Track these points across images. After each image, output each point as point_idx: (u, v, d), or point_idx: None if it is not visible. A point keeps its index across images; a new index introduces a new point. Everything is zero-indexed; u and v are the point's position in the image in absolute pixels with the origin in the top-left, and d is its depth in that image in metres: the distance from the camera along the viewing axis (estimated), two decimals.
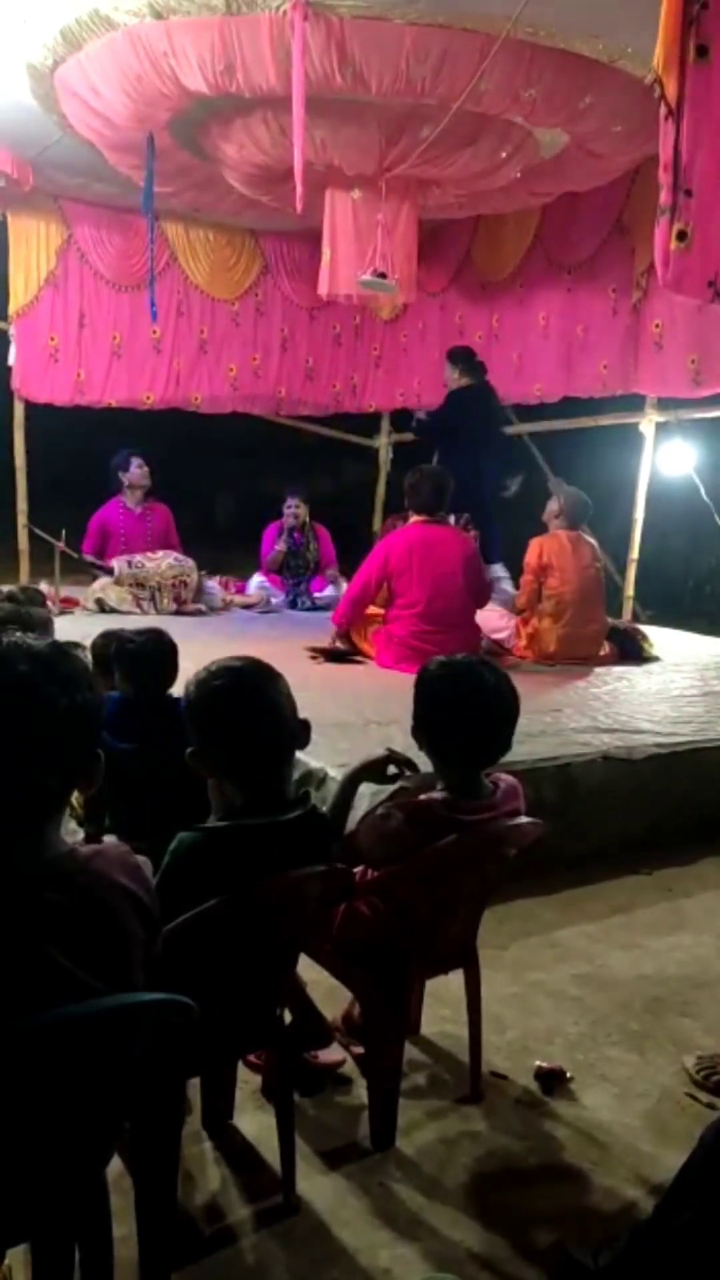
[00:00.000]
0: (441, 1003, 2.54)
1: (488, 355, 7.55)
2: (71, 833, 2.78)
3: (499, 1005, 2.63)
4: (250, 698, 1.83)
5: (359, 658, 5.40)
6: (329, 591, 7.34)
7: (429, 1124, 2.19)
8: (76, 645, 1.59)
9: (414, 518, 5.29)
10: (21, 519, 7.45)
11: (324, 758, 3.35)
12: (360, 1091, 2.26)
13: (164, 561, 6.84)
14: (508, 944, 3.01)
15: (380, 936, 2.12)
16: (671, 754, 3.92)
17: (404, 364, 8.47)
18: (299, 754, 1.95)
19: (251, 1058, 2.27)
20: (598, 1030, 2.60)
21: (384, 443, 9.16)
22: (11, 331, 7.24)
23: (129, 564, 6.75)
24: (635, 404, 7.08)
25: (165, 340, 7.67)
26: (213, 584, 7.20)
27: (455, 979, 2.33)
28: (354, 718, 3.93)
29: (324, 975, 2.26)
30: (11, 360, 7.28)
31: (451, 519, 5.46)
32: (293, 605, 7.36)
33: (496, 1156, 2.10)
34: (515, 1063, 2.42)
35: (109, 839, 2.63)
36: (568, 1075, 2.37)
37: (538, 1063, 2.39)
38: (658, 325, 6.26)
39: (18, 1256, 1.55)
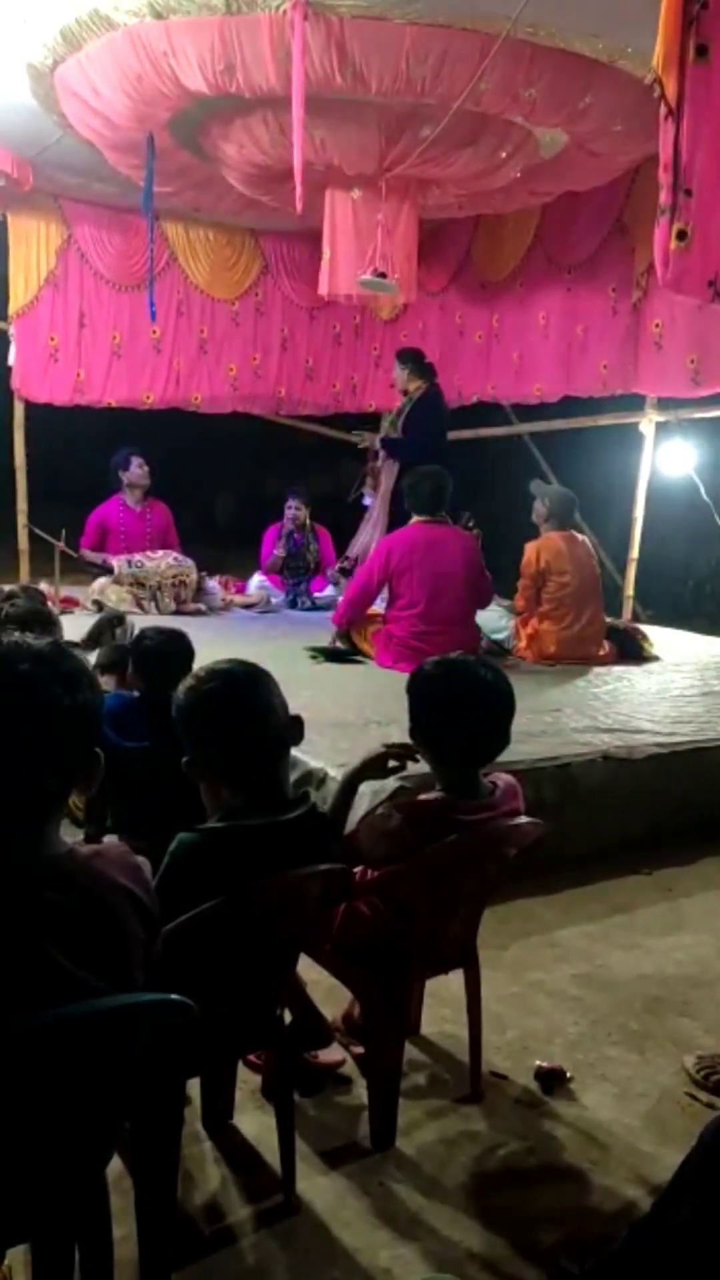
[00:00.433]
0: (441, 1003, 2.54)
1: (488, 355, 7.58)
2: (72, 835, 2.78)
3: (499, 1005, 2.63)
4: (239, 699, 1.83)
5: (359, 658, 5.40)
6: (329, 592, 7.34)
7: (429, 1124, 2.19)
8: (76, 645, 1.59)
9: (415, 518, 5.29)
10: (21, 519, 7.45)
11: (324, 757, 3.34)
12: (360, 1091, 2.26)
13: (164, 561, 6.84)
14: (508, 944, 3.01)
15: (380, 936, 2.12)
16: (671, 754, 3.92)
17: None
18: (299, 754, 1.95)
19: (251, 1058, 2.27)
20: (598, 1030, 2.59)
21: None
22: (11, 331, 7.24)
23: (129, 563, 6.75)
24: (635, 404, 7.08)
25: (165, 340, 7.67)
26: (213, 584, 7.20)
27: (455, 979, 2.33)
28: (354, 717, 3.93)
29: (324, 975, 2.26)
30: (11, 360, 7.27)
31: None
32: (293, 605, 7.36)
33: (496, 1156, 2.10)
34: (515, 1063, 2.42)
35: (109, 839, 2.64)
36: (568, 1075, 2.37)
37: (538, 1062, 2.39)
38: (658, 325, 6.26)
39: (18, 1256, 1.55)
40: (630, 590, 7.52)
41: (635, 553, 7.38)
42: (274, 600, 7.34)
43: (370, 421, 8.76)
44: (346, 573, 6.57)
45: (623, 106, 4.72)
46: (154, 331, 7.53)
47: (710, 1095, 2.32)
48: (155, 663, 2.74)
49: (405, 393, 6.53)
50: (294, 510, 7.48)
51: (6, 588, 4.44)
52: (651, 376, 6.42)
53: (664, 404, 6.91)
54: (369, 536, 6.49)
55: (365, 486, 6.94)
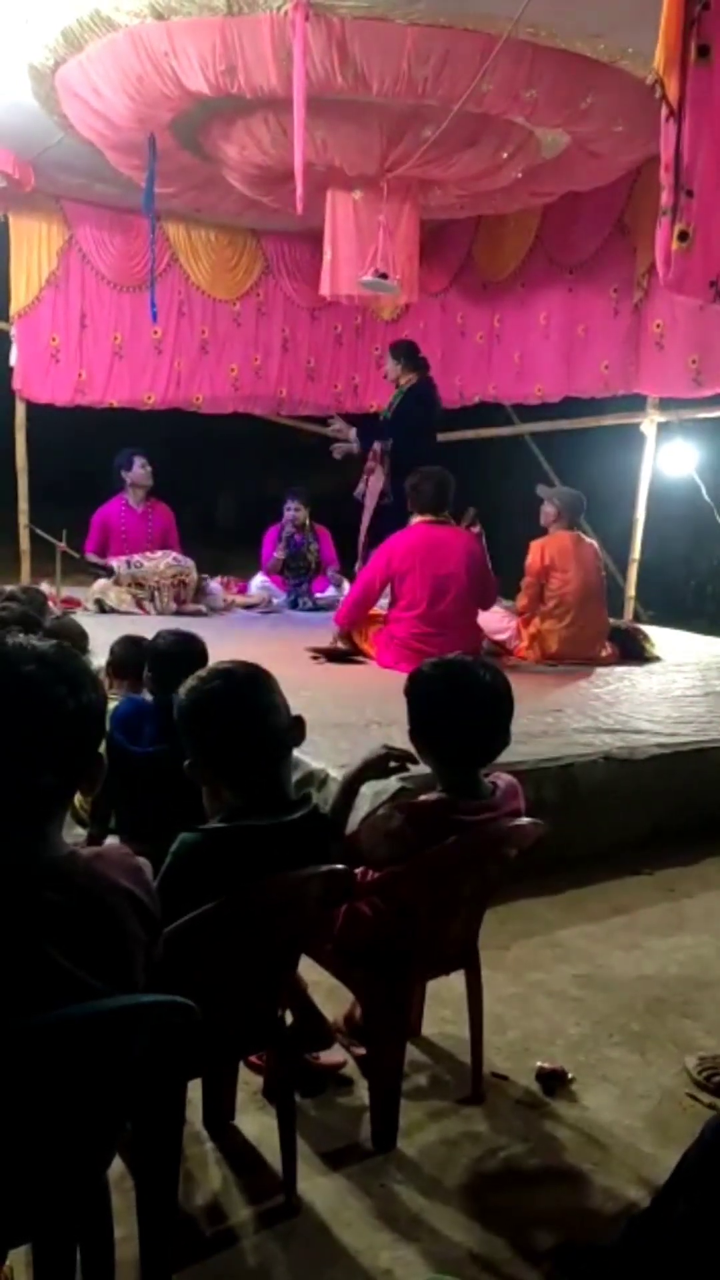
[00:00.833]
0: (442, 1003, 2.54)
1: (489, 355, 7.58)
2: (76, 837, 2.79)
3: (500, 1006, 2.63)
4: (241, 699, 1.83)
5: (360, 658, 5.40)
6: (330, 592, 7.34)
7: (430, 1125, 2.19)
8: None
9: (417, 518, 5.29)
10: (23, 519, 7.46)
11: (325, 758, 3.34)
12: (361, 1092, 2.26)
13: (163, 561, 6.84)
14: (509, 944, 3.01)
15: (381, 937, 2.12)
16: (673, 754, 3.92)
17: None
18: (300, 754, 1.95)
19: (253, 1059, 2.27)
20: (599, 1031, 2.59)
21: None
22: (13, 332, 7.25)
23: (128, 564, 6.76)
24: (636, 404, 7.08)
25: (166, 341, 7.67)
26: (214, 584, 7.20)
27: (456, 980, 2.33)
28: (355, 718, 3.93)
29: (325, 976, 2.26)
30: (13, 361, 7.28)
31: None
32: (294, 606, 7.36)
33: (497, 1157, 2.10)
34: (516, 1063, 2.42)
35: (111, 840, 2.64)
36: (569, 1076, 2.36)
37: (539, 1063, 2.39)
38: (659, 325, 6.26)
39: (19, 1257, 1.55)
40: (632, 591, 7.52)
41: (637, 553, 7.38)
42: (275, 601, 7.34)
43: (371, 422, 8.76)
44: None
45: (624, 107, 4.72)
46: (155, 332, 7.54)
47: (711, 1096, 2.32)
48: (168, 665, 2.73)
49: (397, 385, 6.53)
50: (293, 512, 7.48)
51: (7, 588, 4.44)
52: (653, 377, 6.42)
53: (665, 404, 6.91)
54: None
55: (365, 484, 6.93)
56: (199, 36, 4.34)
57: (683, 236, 2.71)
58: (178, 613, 6.58)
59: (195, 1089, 2.06)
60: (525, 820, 2.15)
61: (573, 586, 5.57)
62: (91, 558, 7.07)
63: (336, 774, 3.18)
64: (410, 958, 2.16)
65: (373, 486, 6.49)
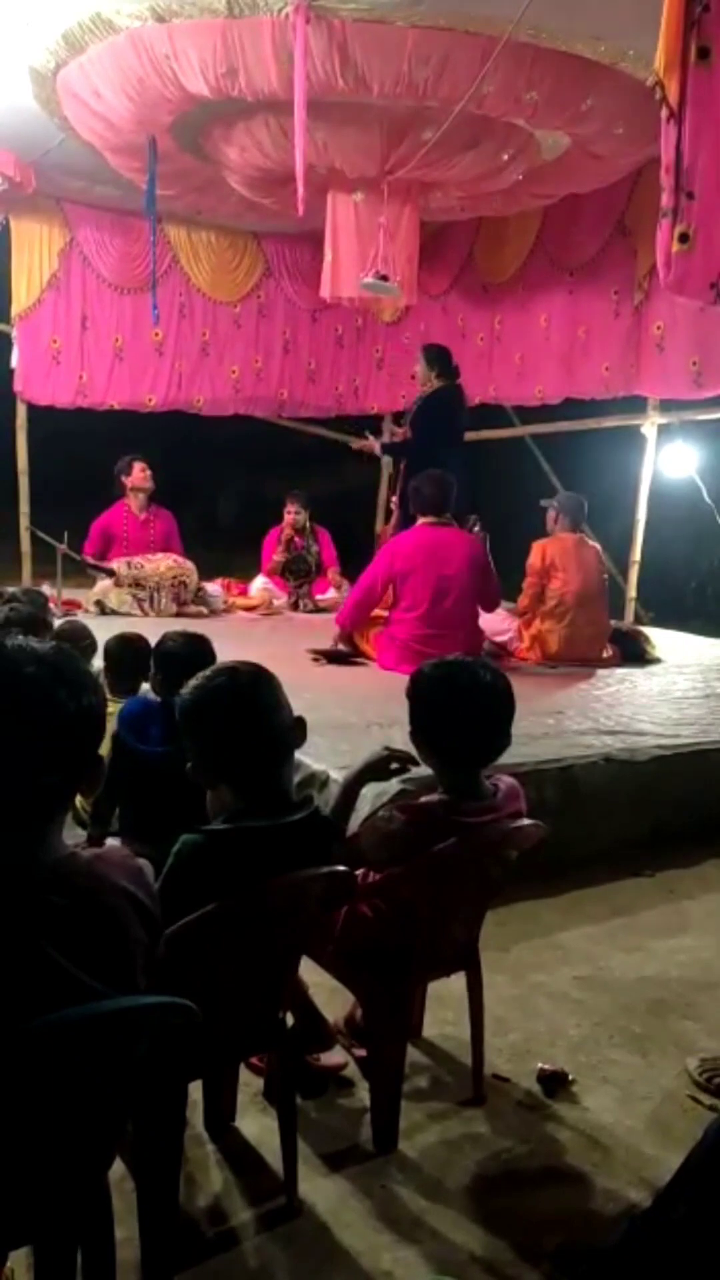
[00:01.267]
0: (443, 1005, 2.54)
1: (489, 357, 7.58)
2: (76, 839, 2.79)
3: (501, 1007, 2.62)
4: (244, 700, 1.83)
5: (360, 660, 5.40)
6: (331, 594, 7.34)
7: (431, 1126, 2.19)
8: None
9: (420, 520, 5.29)
10: (24, 521, 7.46)
11: (326, 760, 3.35)
12: (362, 1094, 2.26)
13: (163, 563, 6.85)
14: (509, 946, 3.01)
15: (382, 939, 2.12)
16: (674, 755, 3.92)
17: (406, 366, 8.42)
18: (300, 756, 1.95)
19: (254, 1060, 2.27)
20: (600, 1032, 2.59)
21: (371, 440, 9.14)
22: (14, 334, 7.26)
23: (128, 565, 6.76)
24: (637, 406, 7.08)
25: (167, 342, 7.68)
26: (214, 586, 7.20)
27: (457, 981, 2.33)
28: (356, 719, 3.93)
29: (326, 978, 2.26)
30: (14, 362, 7.29)
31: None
32: (295, 607, 7.36)
33: (498, 1159, 2.10)
34: (517, 1065, 2.42)
35: (113, 842, 2.64)
36: (570, 1078, 2.36)
37: (540, 1065, 2.39)
38: (659, 327, 6.26)
39: (20, 1259, 1.55)
40: (632, 592, 7.51)
41: (637, 555, 7.38)
42: (276, 602, 7.35)
43: (371, 423, 8.79)
44: None
45: (624, 109, 4.73)
46: (156, 334, 7.55)
47: (713, 1098, 2.32)
48: (176, 666, 2.73)
49: (422, 388, 6.52)
50: (292, 515, 7.49)
51: (8, 590, 4.44)
52: (653, 378, 6.43)
53: (666, 406, 6.91)
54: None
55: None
56: (200, 39, 4.34)
57: (683, 238, 2.71)
58: (178, 614, 6.59)
59: (196, 1090, 2.05)
60: (526, 822, 2.15)
61: (573, 588, 5.57)
62: (91, 559, 7.07)
63: (337, 775, 3.18)
64: (411, 959, 2.16)
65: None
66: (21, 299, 7.22)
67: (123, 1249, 1.54)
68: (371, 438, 6.85)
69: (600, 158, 5.38)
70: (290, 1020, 2.19)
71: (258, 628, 6.64)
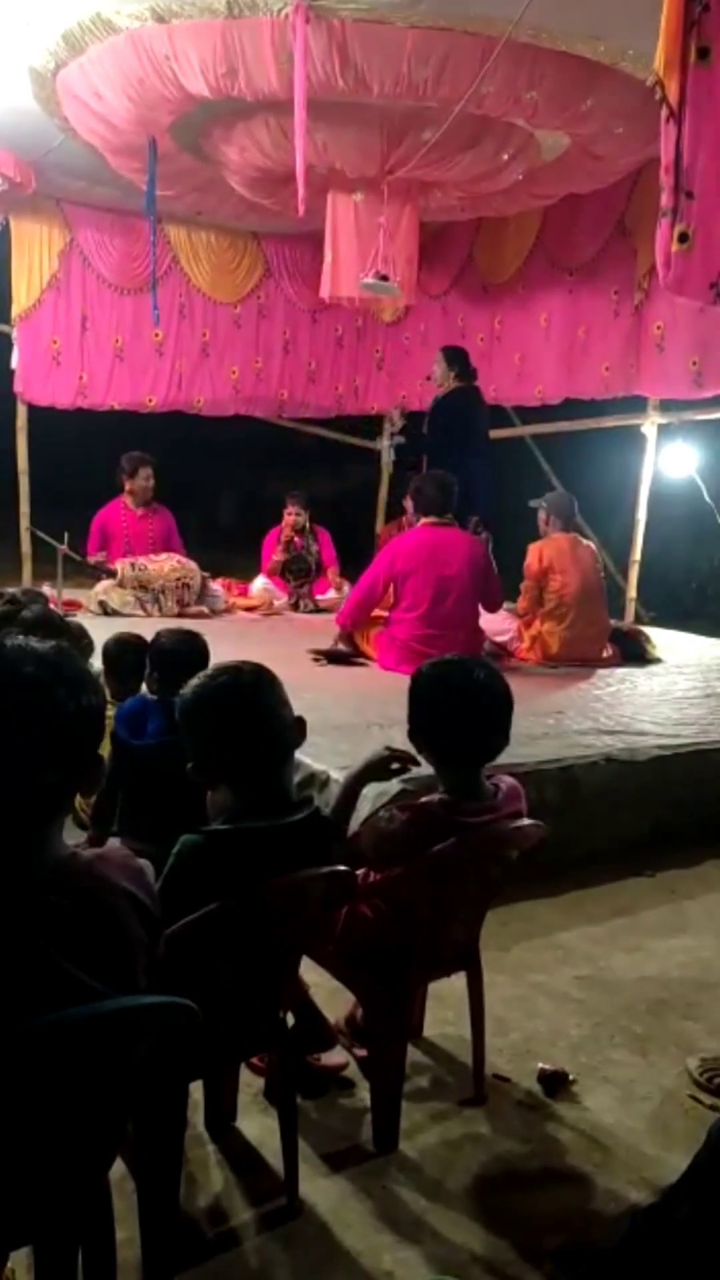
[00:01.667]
0: (444, 1005, 2.54)
1: (489, 357, 7.57)
2: (77, 840, 2.79)
3: (501, 1007, 2.62)
4: (246, 698, 1.83)
5: (361, 660, 5.40)
6: (331, 594, 7.35)
7: (432, 1126, 2.19)
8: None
9: (422, 520, 5.29)
10: (24, 521, 7.46)
11: (326, 760, 3.35)
12: (363, 1094, 2.26)
13: (167, 564, 6.85)
14: (510, 946, 3.01)
15: (382, 939, 2.12)
16: (674, 755, 3.92)
17: (406, 366, 8.48)
18: (301, 756, 1.95)
19: (254, 1060, 2.27)
20: (600, 1032, 2.59)
21: (386, 444, 9.16)
22: (14, 334, 7.26)
23: (132, 566, 6.76)
24: (637, 406, 7.09)
25: (167, 343, 7.69)
26: (216, 586, 7.20)
27: (458, 981, 2.33)
28: (356, 719, 3.93)
29: (326, 978, 2.26)
30: (14, 363, 7.29)
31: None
32: (295, 607, 7.36)
33: (499, 1159, 2.10)
34: (518, 1065, 2.42)
35: (113, 842, 2.64)
36: (570, 1077, 2.36)
37: (540, 1065, 2.39)
38: (659, 327, 6.26)
39: (20, 1259, 1.55)
40: (633, 592, 7.52)
41: (638, 555, 7.38)
42: (277, 603, 7.35)
43: (372, 424, 8.81)
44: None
45: (624, 109, 4.73)
46: (156, 334, 7.55)
47: (713, 1098, 2.32)
48: (171, 663, 2.74)
49: (440, 388, 6.51)
50: (293, 515, 7.49)
51: (8, 591, 4.44)
52: (653, 378, 6.43)
53: (666, 406, 6.91)
54: None
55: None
56: (200, 39, 4.34)
57: (683, 238, 2.71)
58: (180, 615, 6.58)
59: (197, 1090, 2.06)
60: (526, 822, 2.15)
61: (572, 588, 5.57)
62: (93, 559, 7.07)
63: (338, 775, 3.18)
64: (411, 959, 2.16)
65: None
66: (21, 299, 7.22)
67: (123, 1249, 1.54)
68: (388, 441, 6.84)
69: (600, 158, 5.38)
70: (291, 1020, 2.19)
71: (258, 628, 6.64)
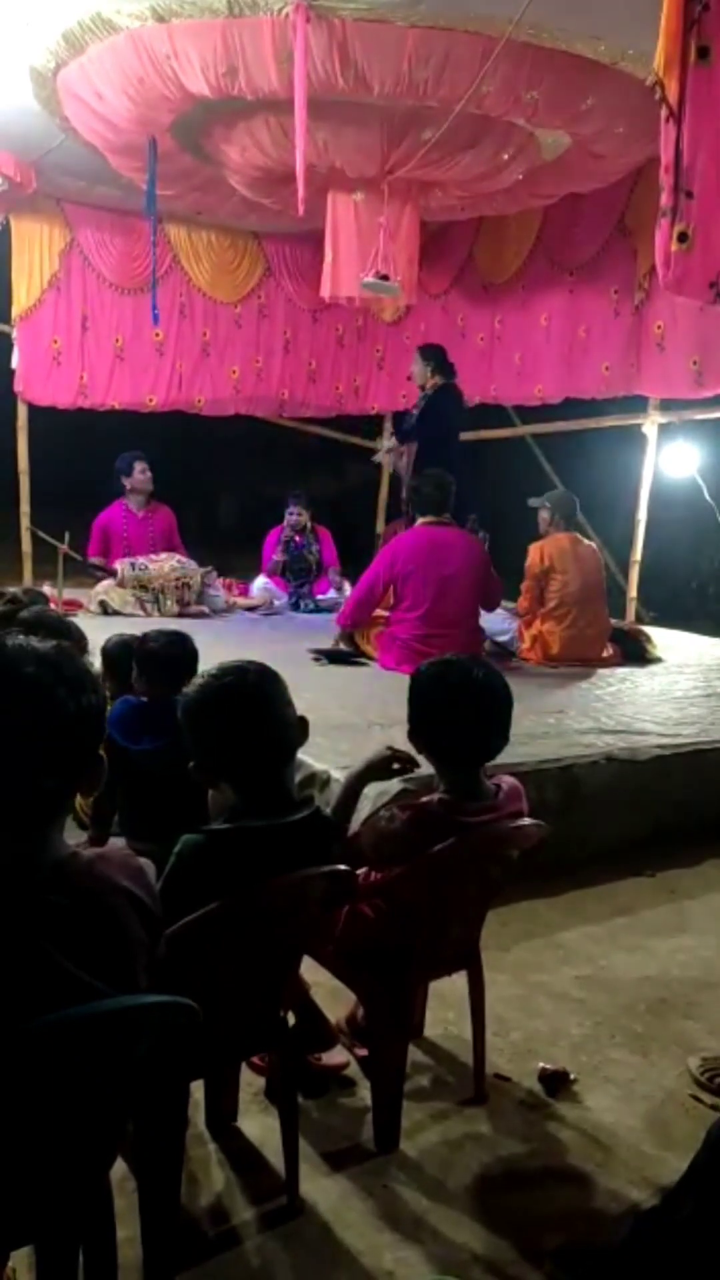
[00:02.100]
0: (445, 1004, 2.54)
1: (489, 357, 7.58)
2: (77, 840, 2.79)
3: (502, 1007, 2.63)
4: (251, 698, 1.83)
5: (361, 659, 5.40)
6: (332, 594, 7.35)
7: (433, 1126, 2.19)
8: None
9: (421, 520, 5.30)
10: (25, 521, 7.46)
11: (327, 760, 3.35)
12: (364, 1093, 2.25)
13: (167, 564, 6.85)
14: (511, 945, 3.01)
15: (383, 938, 2.12)
16: (675, 755, 3.92)
17: (406, 366, 8.39)
18: (302, 755, 1.95)
19: (255, 1060, 2.27)
20: (601, 1032, 2.59)
21: (386, 444, 9.16)
22: (14, 334, 7.26)
23: (132, 566, 6.77)
24: (638, 405, 7.09)
25: (168, 343, 7.68)
26: (217, 584, 7.20)
27: (458, 981, 2.33)
28: (357, 719, 3.93)
29: (327, 977, 2.26)
30: (14, 363, 7.29)
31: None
32: (295, 607, 7.36)
33: (500, 1158, 2.10)
34: (519, 1065, 2.42)
35: (114, 842, 2.64)
36: (571, 1077, 2.36)
37: (541, 1064, 2.39)
38: (660, 326, 6.26)
39: (21, 1259, 1.55)
40: (633, 592, 7.51)
41: (638, 554, 7.38)
42: (277, 602, 7.35)
43: (372, 424, 8.81)
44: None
45: (624, 108, 4.72)
46: (156, 334, 7.55)
47: (714, 1097, 2.32)
48: (161, 666, 2.73)
49: (422, 389, 6.52)
50: (294, 516, 7.50)
51: (8, 591, 4.44)
52: (654, 378, 6.43)
53: (666, 405, 6.91)
54: None
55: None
56: (200, 38, 4.34)
57: (682, 237, 2.71)
58: (181, 614, 6.59)
59: (197, 1090, 2.06)
60: (527, 821, 2.15)
61: (573, 588, 5.57)
62: (94, 560, 7.08)
63: (339, 775, 3.18)
64: (412, 959, 2.16)
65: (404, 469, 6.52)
66: (22, 299, 7.22)
67: (124, 1248, 1.54)
68: (385, 442, 6.86)
69: (600, 157, 5.38)
70: (291, 1020, 2.19)
71: (258, 628, 6.64)
